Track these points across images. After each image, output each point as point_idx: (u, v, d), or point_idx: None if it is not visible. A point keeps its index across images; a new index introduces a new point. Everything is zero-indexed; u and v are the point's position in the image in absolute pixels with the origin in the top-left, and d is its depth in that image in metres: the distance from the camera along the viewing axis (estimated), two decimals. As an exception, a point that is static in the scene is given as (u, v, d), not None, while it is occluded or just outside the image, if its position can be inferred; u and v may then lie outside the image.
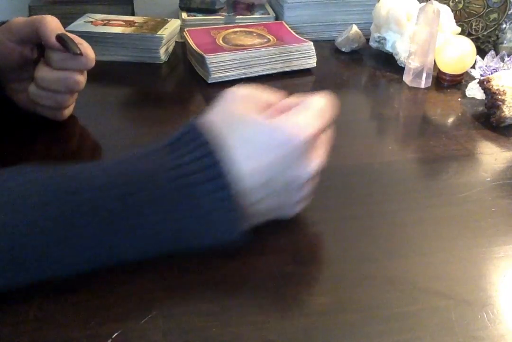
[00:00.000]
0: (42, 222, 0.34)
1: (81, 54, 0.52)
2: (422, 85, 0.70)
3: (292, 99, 0.42)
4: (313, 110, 0.39)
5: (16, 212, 0.34)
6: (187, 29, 0.80)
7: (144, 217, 0.35)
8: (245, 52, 0.72)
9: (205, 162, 0.36)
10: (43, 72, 0.54)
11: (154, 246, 0.37)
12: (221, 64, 0.71)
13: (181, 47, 0.84)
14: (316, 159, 0.40)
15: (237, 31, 0.80)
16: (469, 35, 0.82)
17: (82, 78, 0.55)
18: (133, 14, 0.92)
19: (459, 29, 0.78)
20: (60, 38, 0.52)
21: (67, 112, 0.59)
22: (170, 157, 0.37)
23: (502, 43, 0.80)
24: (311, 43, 0.75)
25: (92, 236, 0.34)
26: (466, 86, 0.69)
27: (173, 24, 0.82)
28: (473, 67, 0.69)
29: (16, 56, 0.55)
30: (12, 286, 0.35)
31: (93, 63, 0.55)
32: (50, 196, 0.34)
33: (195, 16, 0.87)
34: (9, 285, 0.35)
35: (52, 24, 0.53)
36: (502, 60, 0.67)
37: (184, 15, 0.88)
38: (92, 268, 0.36)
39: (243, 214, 0.37)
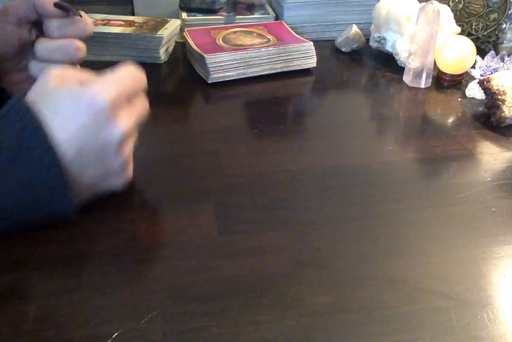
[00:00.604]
0: None
1: (80, 15, 0.52)
2: (422, 85, 0.70)
3: (105, 73, 0.44)
4: (116, 76, 0.42)
5: None
6: (187, 29, 0.80)
7: None
8: (245, 52, 0.72)
9: (29, 130, 0.38)
10: (43, 43, 0.53)
11: None
12: (221, 64, 0.71)
13: (181, 47, 0.84)
14: (124, 121, 0.41)
15: (237, 31, 0.80)
16: (469, 35, 0.82)
17: (82, 45, 0.55)
18: (133, 14, 0.92)
19: (459, 29, 0.78)
20: (58, 5, 0.52)
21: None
22: None
23: (502, 43, 0.80)
24: (311, 43, 0.75)
25: None
26: (466, 86, 0.69)
27: (173, 24, 0.82)
28: (473, 67, 0.69)
29: (15, 40, 0.54)
30: None
31: (91, 29, 0.54)
32: None
33: (195, 16, 0.87)
34: None
35: None
36: (502, 60, 0.67)
37: (184, 15, 0.88)
38: None
39: (72, 182, 0.39)
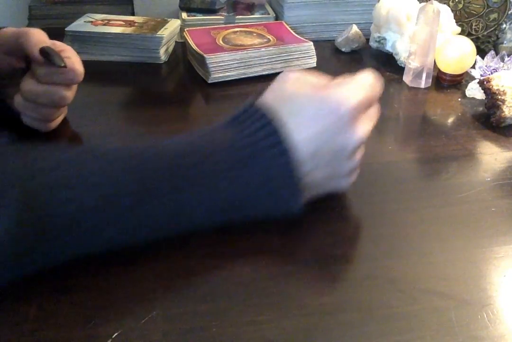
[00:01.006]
0: (129, 184, 0.37)
1: (65, 66, 0.51)
2: (422, 85, 0.70)
3: (341, 78, 0.44)
4: (358, 83, 0.42)
5: (104, 174, 0.36)
6: (187, 29, 0.80)
7: (214, 182, 0.38)
8: (245, 52, 0.72)
9: (265, 131, 0.39)
10: (28, 85, 0.52)
11: (222, 212, 0.40)
12: (221, 64, 0.71)
13: (181, 47, 0.84)
14: (363, 128, 0.42)
15: (237, 31, 0.81)
16: (469, 35, 0.82)
17: (68, 93, 0.54)
18: (133, 14, 0.93)
19: (459, 29, 0.78)
20: (44, 51, 0.51)
21: (54, 124, 0.57)
22: (234, 130, 0.40)
23: (502, 43, 0.80)
24: (311, 43, 0.75)
25: (167, 198, 0.37)
26: (466, 86, 0.69)
27: (173, 24, 0.82)
28: (473, 67, 0.69)
29: (5, 66, 0.54)
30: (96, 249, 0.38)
31: (80, 78, 0.54)
32: (134, 162, 0.38)
33: (195, 16, 0.87)
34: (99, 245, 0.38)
35: (36, 37, 0.52)
36: (502, 60, 0.67)
37: (184, 15, 0.88)
38: (163, 235, 0.39)
39: (302, 181, 0.40)
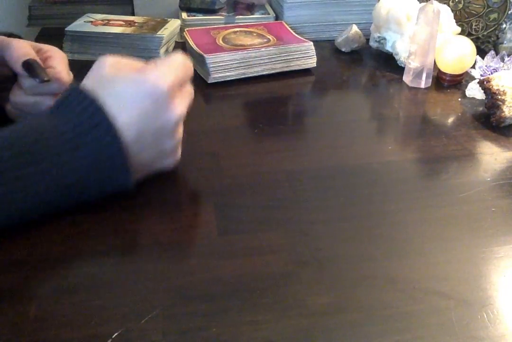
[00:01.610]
0: None
1: (48, 81, 0.50)
2: (422, 85, 0.70)
3: (155, 61, 0.46)
4: (170, 64, 0.45)
5: None
6: (187, 29, 0.80)
7: (43, 168, 0.40)
8: (245, 52, 0.72)
9: (89, 111, 0.41)
10: (17, 97, 0.52)
11: (58, 196, 0.42)
12: (221, 64, 0.71)
13: (181, 47, 0.84)
14: (180, 106, 0.45)
15: (237, 31, 0.80)
16: (469, 35, 0.82)
17: None
18: (133, 14, 0.92)
19: (459, 29, 0.78)
20: (27, 65, 0.49)
21: None
22: (58, 115, 0.42)
23: (502, 43, 0.80)
24: (311, 43, 0.75)
25: None
26: (466, 86, 0.69)
27: (173, 24, 0.82)
28: (473, 67, 0.69)
29: None
30: None
31: (68, 85, 0.52)
32: None
33: (195, 16, 0.87)
34: None
35: (19, 51, 0.51)
36: (502, 60, 0.67)
37: (184, 15, 0.88)
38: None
39: (130, 160, 0.42)
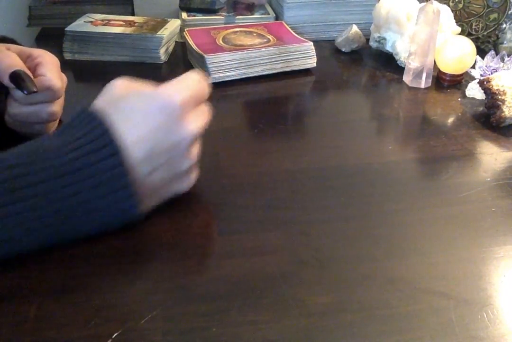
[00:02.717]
0: None
1: (35, 91, 0.48)
2: (422, 85, 0.70)
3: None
4: (184, 82, 0.43)
5: None
6: (187, 29, 0.80)
7: (43, 191, 0.37)
8: (245, 52, 0.72)
9: (95, 133, 0.39)
10: (13, 108, 0.51)
11: (57, 223, 0.39)
12: (221, 64, 0.71)
13: (181, 47, 0.84)
14: (194, 124, 0.43)
15: (237, 31, 0.80)
16: (469, 35, 0.82)
17: (54, 108, 0.52)
18: (133, 14, 0.92)
19: (459, 29, 0.78)
20: (14, 76, 0.48)
21: (49, 129, 0.55)
22: (64, 136, 0.40)
23: (502, 43, 0.80)
24: (311, 43, 0.75)
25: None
26: (466, 86, 0.69)
27: (173, 24, 0.82)
28: (473, 67, 0.69)
29: None
30: None
31: (60, 93, 0.52)
32: None
33: (195, 16, 0.87)
34: None
35: (5, 62, 0.49)
36: (502, 60, 0.67)
37: (184, 15, 0.88)
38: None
39: (137, 181, 0.40)
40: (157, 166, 0.41)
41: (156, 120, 0.40)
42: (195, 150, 0.44)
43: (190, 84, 0.43)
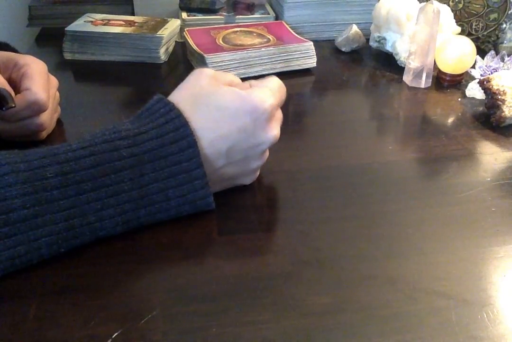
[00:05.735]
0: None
1: (13, 106, 0.47)
2: (422, 85, 0.70)
3: (251, 81, 0.47)
4: (271, 87, 0.45)
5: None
6: (187, 29, 0.80)
7: (119, 181, 0.39)
8: (245, 52, 0.72)
9: (174, 123, 0.41)
10: (4, 126, 0.51)
11: (133, 210, 0.41)
12: (221, 64, 0.71)
13: (181, 47, 0.84)
14: (276, 129, 0.45)
15: (237, 31, 0.80)
16: (469, 35, 0.82)
17: (42, 119, 0.52)
18: (133, 14, 0.92)
19: (459, 29, 0.78)
20: None
21: (46, 133, 0.56)
22: (138, 124, 0.42)
23: (502, 43, 0.80)
24: (311, 43, 0.75)
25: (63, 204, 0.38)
26: (466, 86, 0.69)
27: (173, 24, 0.82)
28: (473, 67, 0.69)
29: None
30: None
31: (46, 106, 0.51)
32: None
33: (195, 16, 0.87)
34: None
35: None
36: (502, 60, 0.67)
37: (184, 15, 0.88)
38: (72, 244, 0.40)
39: (210, 172, 0.42)
40: (232, 162, 0.44)
41: (242, 121, 0.42)
42: (268, 152, 0.47)
43: (276, 90, 0.45)
